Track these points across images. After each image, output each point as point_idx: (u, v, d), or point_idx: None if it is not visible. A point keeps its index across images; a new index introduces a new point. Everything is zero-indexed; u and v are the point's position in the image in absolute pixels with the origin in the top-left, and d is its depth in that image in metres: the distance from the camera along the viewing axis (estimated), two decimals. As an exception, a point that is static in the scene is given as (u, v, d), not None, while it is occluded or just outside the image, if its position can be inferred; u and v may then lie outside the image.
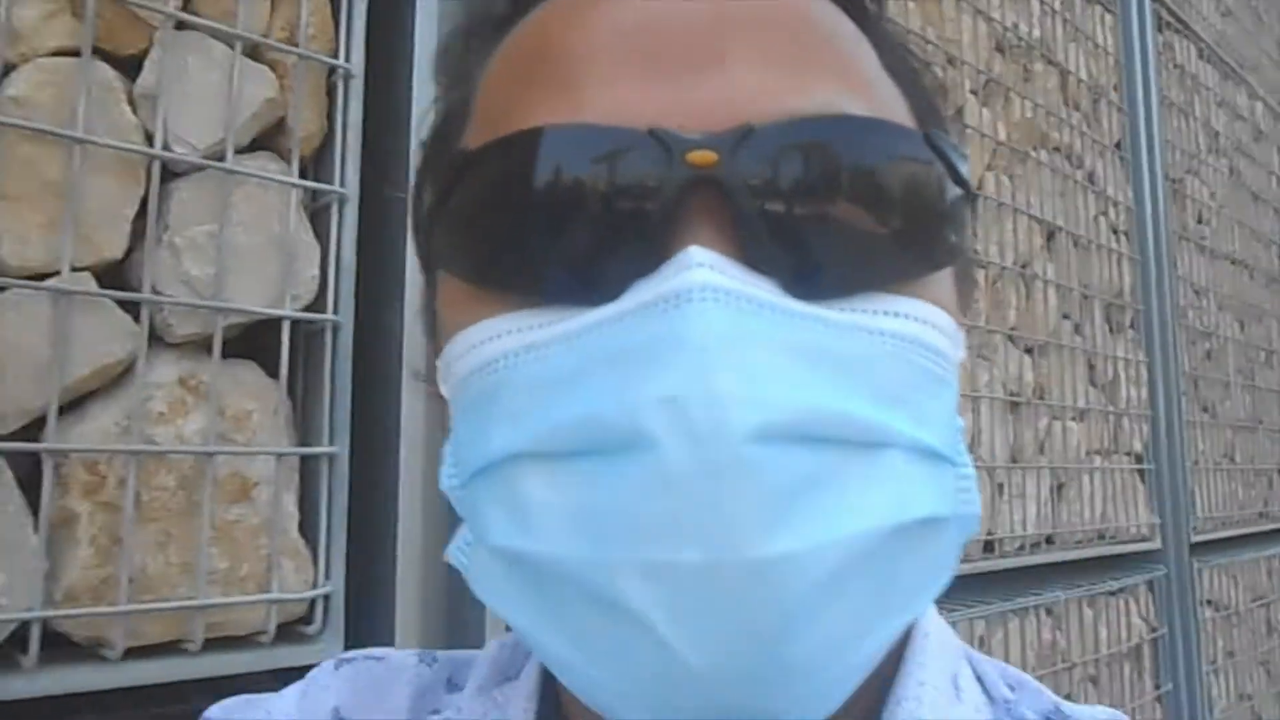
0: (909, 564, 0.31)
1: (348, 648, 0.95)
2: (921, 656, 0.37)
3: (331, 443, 0.99)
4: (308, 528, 0.97)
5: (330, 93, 1.05)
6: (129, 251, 0.89)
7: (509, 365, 0.32)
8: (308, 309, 0.99)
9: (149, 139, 0.90)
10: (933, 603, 0.36)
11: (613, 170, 0.31)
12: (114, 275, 0.88)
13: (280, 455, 0.95)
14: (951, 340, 0.34)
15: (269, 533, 0.93)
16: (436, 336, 0.39)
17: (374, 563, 1.01)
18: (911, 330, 0.32)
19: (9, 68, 0.83)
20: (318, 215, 1.02)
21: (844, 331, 0.31)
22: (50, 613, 0.80)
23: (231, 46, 0.96)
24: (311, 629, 0.96)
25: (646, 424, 0.28)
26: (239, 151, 0.95)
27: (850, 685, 0.32)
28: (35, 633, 0.78)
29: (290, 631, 0.95)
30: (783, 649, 0.28)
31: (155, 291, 0.88)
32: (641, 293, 0.30)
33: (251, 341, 0.96)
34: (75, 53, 0.85)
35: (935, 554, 0.32)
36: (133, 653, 0.84)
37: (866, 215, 0.32)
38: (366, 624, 0.99)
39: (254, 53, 0.98)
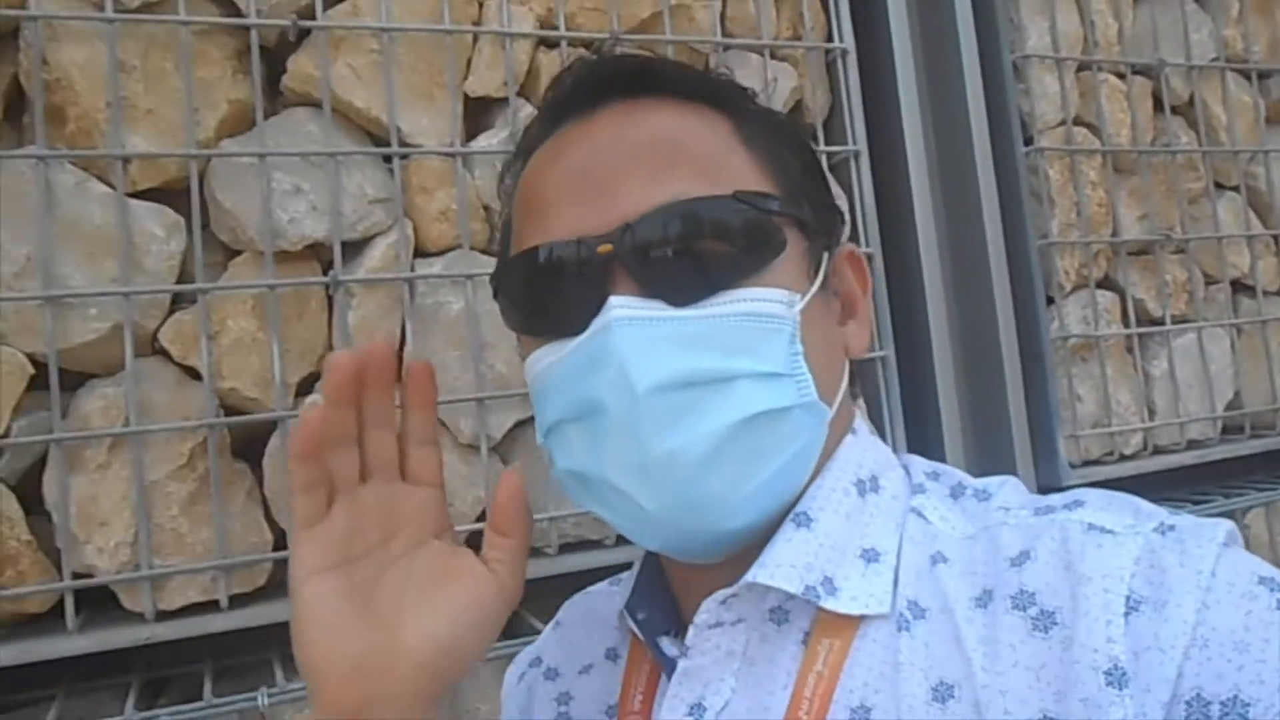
0: (765, 434, 0.53)
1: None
2: (819, 480, 0.57)
3: (881, 348, 1.24)
4: (873, 413, 1.24)
5: (831, 69, 1.29)
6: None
7: (545, 374, 0.56)
8: (845, 246, 1.25)
9: (721, 140, 1.19)
10: (867, 440, 0.60)
11: (564, 265, 0.54)
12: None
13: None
14: (783, 303, 0.54)
15: (849, 421, 1.21)
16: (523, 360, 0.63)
17: (925, 436, 1.26)
18: (744, 308, 0.53)
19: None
20: (838, 169, 1.28)
21: (700, 320, 0.52)
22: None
23: (761, 54, 1.23)
24: (890, 493, 1.22)
25: (601, 396, 0.52)
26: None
27: (755, 505, 0.53)
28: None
29: (875, 495, 1.22)
30: (693, 491, 0.52)
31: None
32: (593, 326, 0.53)
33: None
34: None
35: (788, 427, 0.53)
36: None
37: (702, 249, 0.53)
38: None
39: (775, 54, 1.25)
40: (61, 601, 0.92)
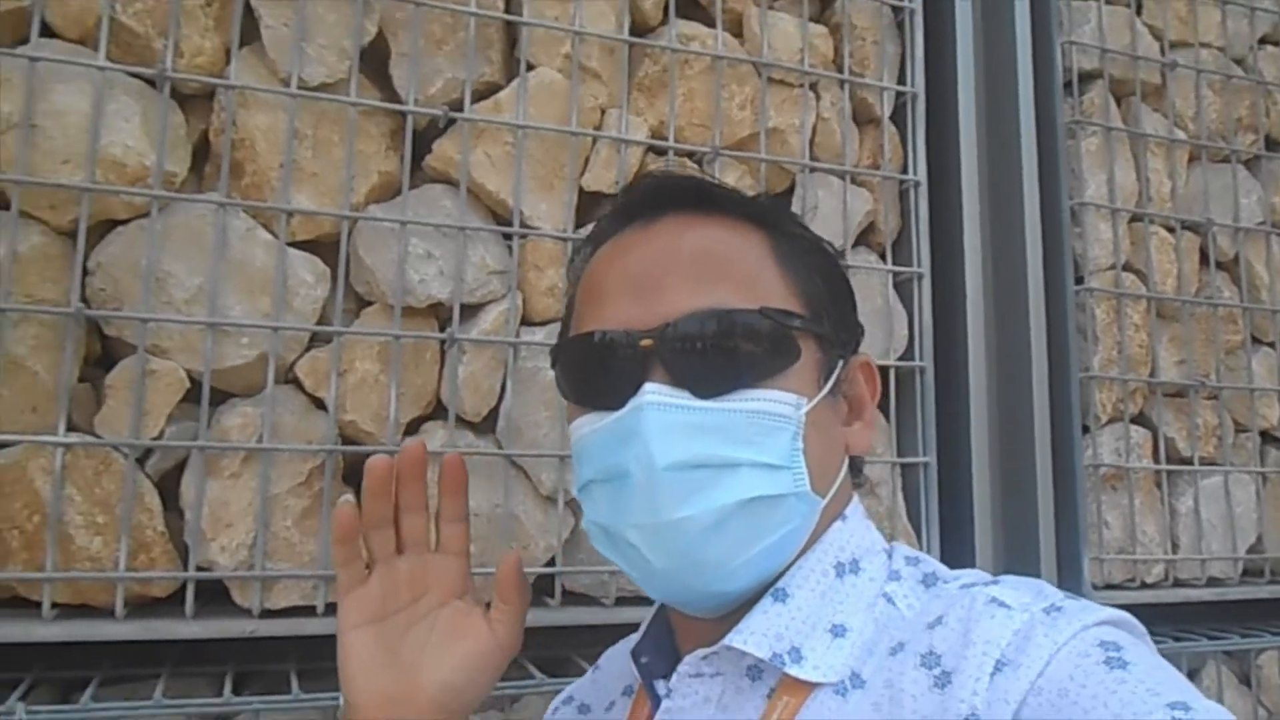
0: (762, 515, 0.61)
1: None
2: (801, 560, 0.65)
3: (924, 454, 1.35)
4: (913, 516, 1.34)
5: (903, 197, 1.43)
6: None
7: (586, 439, 0.66)
8: (901, 358, 1.37)
9: (799, 250, 1.33)
10: (859, 525, 0.67)
11: (613, 349, 0.63)
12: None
13: (893, 464, 1.33)
14: (791, 405, 0.63)
15: (890, 518, 1.32)
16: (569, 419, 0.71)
17: (960, 542, 1.36)
18: (757, 407, 0.62)
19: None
20: (902, 288, 1.40)
21: (718, 412, 0.61)
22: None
23: (842, 179, 1.37)
24: (921, 589, 1.31)
25: (627, 466, 0.61)
26: (841, 253, 1.35)
27: (747, 573, 0.62)
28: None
29: (907, 589, 1.31)
30: (696, 557, 0.61)
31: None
32: (629, 405, 0.62)
33: (867, 383, 1.36)
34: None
35: (782, 511, 0.62)
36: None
37: (728, 352, 0.62)
38: (957, 589, 1.33)
39: (854, 179, 1.39)
40: (183, 589, 1.04)
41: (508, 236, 1.20)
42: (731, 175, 1.32)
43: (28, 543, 1.01)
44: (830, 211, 1.36)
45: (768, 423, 0.62)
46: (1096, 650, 0.53)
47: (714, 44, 1.32)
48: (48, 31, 1.07)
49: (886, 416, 1.37)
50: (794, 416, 0.63)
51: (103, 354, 1.09)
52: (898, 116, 1.44)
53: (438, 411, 1.18)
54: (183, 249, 1.07)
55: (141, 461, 1.05)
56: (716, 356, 0.62)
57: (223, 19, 1.13)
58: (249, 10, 1.14)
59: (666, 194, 0.70)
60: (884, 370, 1.35)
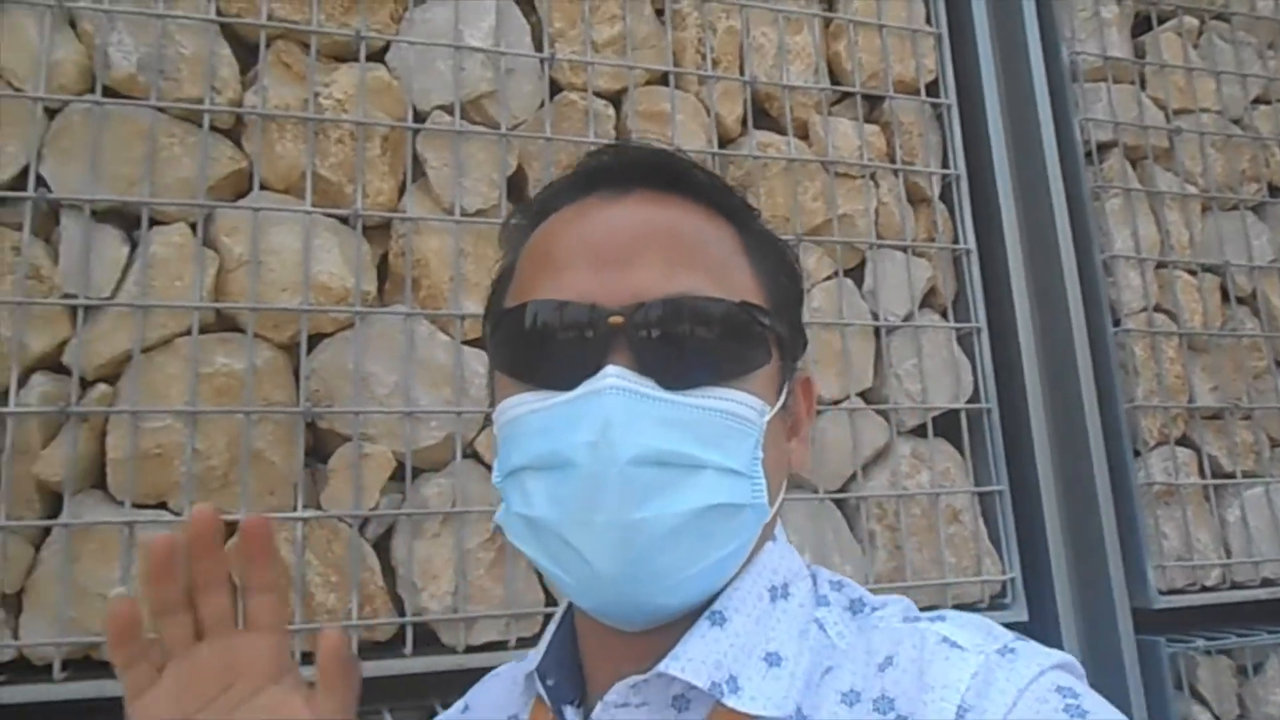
0: (717, 525, 0.56)
1: (1030, 615, 1.50)
2: (736, 582, 0.60)
3: (997, 484, 1.56)
4: (993, 538, 1.54)
5: (956, 264, 1.66)
6: (874, 380, 1.54)
7: (522, 420, 0.58)
8: (969, 402, 1.58)
9: (874, 315, 1.56)
10: (784, 548, 0.64)
11: (572, 323, 0.56)
12: (869, 395, 1.54)
13: (971, 493, 1.54)
14: (756, 410, 0.58)
15: (974, 541, 1.52)
16: (494, 398, 0.63)
17: (1036, 559, 1.55)
18: (725, 406, 0.56)
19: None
20: (963, 342, 1.62)
21: (685, 407, 0.55)
22: (871, 586, 1.44)
23: (905, 252, 1.60)
24: (1006, 600, 1.51)
25: (577, 455, 0.54)
26: (909, 316, 1.58)
27: (693, 586, 0.56)
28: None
29: (995, 602, 1.51)
30: (645, 565, 0.54)
31: (886, 401, 1.53)
32: (584, 387, 0.55)
33: (943, 426, 1.57)
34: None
35: (736, 523, 0.57)
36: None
37: (702, 346, 0.56)
38: (1036, 597, 1.53)
39: (915, 252, 1.62)
40: (402, 632, 1.26)
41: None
42: (812, 257, 1.55)
43: (276, 602, 1.23)
44: (898, 281, 1.59)
45: (735, 425, 0.57)
46: (1054, 697, 0.52)
47: (786, 149, 1.57)
48: (261, 186, 1.33)
49: (961, 453, 1.57)
50: (758, 422, 0.58)
51: (314, 444, 1.32)
52: (945, 195, 1.68)
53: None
54: (379, 353, 1.31)
55: (362, 529, 1.28)
56: (690, 346, 0.56)
57: (395, 164, 1.39)
58: (415, 156, 1.39)
59: (638, 169, 0.64)
60: (956, 413, 1.57)
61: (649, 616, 0.58)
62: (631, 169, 0.64)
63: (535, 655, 0.66)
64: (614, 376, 0.54)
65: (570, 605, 0.67)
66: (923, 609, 1.35)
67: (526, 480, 0.58)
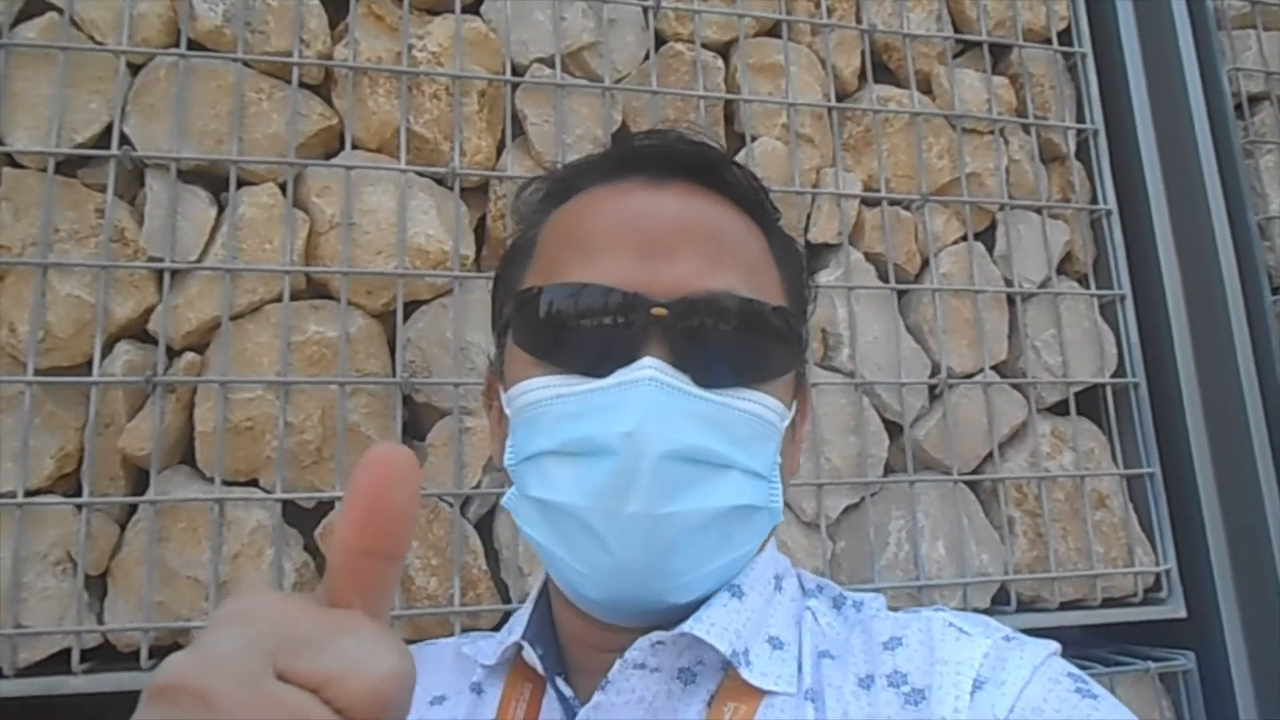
0: (736, 526, 0.56)
1: (1189, 610, 1.35)
2: (752, 564, 0.61)
3: (1148, 466, 1.41)
4: (1144, 525, 1.40)
5: (1094, 226, 1.51)
6: (1009, 352, 1.41)
7: (547, 404, 0.57)
8: (1114, 376, 1.44)
9: (1007, 281, 1.42)
10: (774, 546, 0.65)
11: (612, 310, 0.55)
12: (1003, 369, 1.41)
13: (1120, 476, 1.39)
14: (779, 415, 0.58)
15: (1124, 528, 1.37)
16: (504, 378, 0.62)
17: (1192, 549, 1.40)
18: (755, 409, 0.57)
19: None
20: (1106, 310, 1.48)
21: (719, 406, 0.55)
22: (1010, 577, 1.30)
23: (1039, 213, 1.47)
24: (1161, 594, 1.36)
25: (612, 444, 0.53)
26: (1045, 282, 1.44)
27: (705, 585, 0.57)
28: (1014, 590, 1.29)
29: (1149, 596, 1.36)
30: (666, 559, 0.54)
31: (1024, 375, 1.39)
32: (619, 376, 0.54)
33: (1084, 402, 1.43)
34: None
35: (753, 524, 0.58)
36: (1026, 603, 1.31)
37: (738, 347, 0.56)
38: (1194, 591, 1.37)
39: (1049, 213, 1.48)
40: (505, 619, 1.15)
41: (750, 289, 1.33)
42: (940, 219, 1.42)
43: (373, 587, 1.14)
44: (1032, 244, 1.45)
45: (761, 428, 0.58)
46: (1066, 679, 0.53)
47: (909, 102, 1.44)
48: (353, 144, 1.24)
49: (1107, 433, 1.43)
50: (779, 426, 0.59)
51: (410, 418, 1.23)
52: (1081, 153, 1.54)
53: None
54: (479, 321, 1.22)
55: (463, 509, 1.18)
56: (727, 345, 0.56)
57: (493, 120, 1.30)
58: (513, 112, 1.30)
59: (680, 158, 0.63)
60: (1100, 388, 1.42)
61: (651, 612, 0.57)
62: (673, 158, 0.62)
63: (507, 633, 0.65)
64: (651, 369, 0.54)
65: (546, 585, 0.67)
66: (1068, 603, 1.23)
67: (549, 465, 0.57)
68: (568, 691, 0.61)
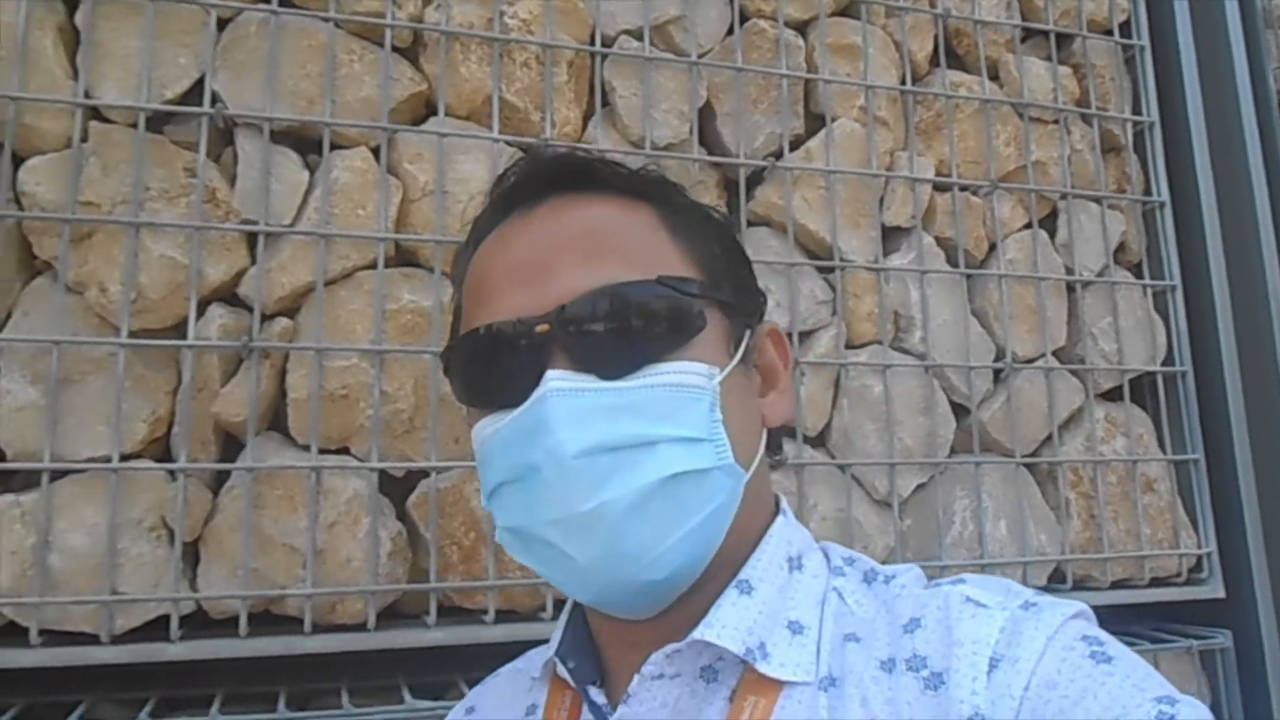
0: (686, 492, 0.57)
1: (1227, 591, 1.41)
2: (758, 553, 0.62)
3: (1192, 452, 1.46)
4: (1188, 509, 1.45)
5: (1146, 217, 1.55)
6: (1067, 339, 1.45)
7: (489, 441, 0.60)
8: (1164, 364, 1.48)
9: (1067, 269, 1.45)
10: (794, 522, 0.66)
11: (506, 341, 0.58)
12: (1061, 355, 1.44)
13: (1167, 462, 1.44)
14: (704, 375, 0.59)
15: (1170, 512, 1.42)
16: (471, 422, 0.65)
17: (1232, 532, 1.46)
18: (667, 380, 0.58)
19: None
20: (1158, 299, 1.52)
21: (626, 391, 0.57)
22: (1067, 557, 1.35)
23: (1099, 203, 1.50)
24: (1203, 575, 1.42)
25: (536, 460, 0.56)
26: (1103, 271, 1.47)
27: (677, 556, 0.57)
28: (1070, 570, 1.34)
29: (1192, 577, 1.42)
30: (620, 546, 0.55)
31: (1082, 362, 1.43)
32: (532, 397, 0.57)
33: (1137, 389, 1.47)
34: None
35: (707, 487, 0.58)
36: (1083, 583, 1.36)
37: (629, 328, 0.57)
38: (1233, 573, 1.44)
39: (1104, 202, 1.51)
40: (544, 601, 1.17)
41: (828, 270, 1.34)
42: (1006, 205, 1.45)
43: (465, 556, 1.14)
44: (1092, 234, 1.48)
45: (682, 395, 0.58)
46: (1080, 644, 0.53)
47: (979, 89, 1.46)
48: (445, 111, 1.23)
49: (1156, 420, 1.48)
50: (708, 387, 0.59)
51: (492, 390, 1.23)
52: (1137, 144, 1.57)
53: (778, 429, 1.31)
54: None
55: (554, 482, 1.19)
56: (617, 333, 0.58)
57: (580, 91, 1.29)
58: (601, 84, 1.29)
59: (545, 177, 0.65)
60: (1149, 375, 1.47)
61: (643, 599, 0.59)
62: (539, 179, 0.65)
63: (549, 645, 0.67)
64: (555, 380, 0.56)
65: None
66: (1117, 582, 1.28)
67: (505, 495, 0.60)
68: (600, 699, 0.63)
